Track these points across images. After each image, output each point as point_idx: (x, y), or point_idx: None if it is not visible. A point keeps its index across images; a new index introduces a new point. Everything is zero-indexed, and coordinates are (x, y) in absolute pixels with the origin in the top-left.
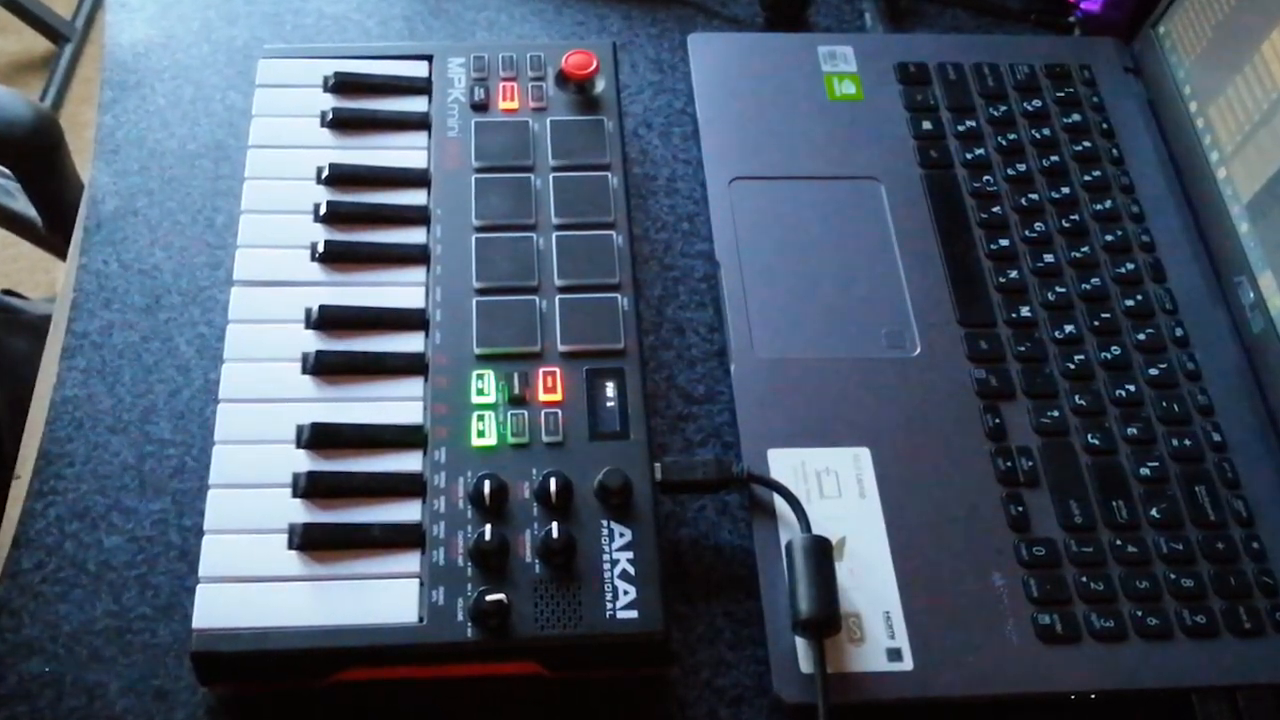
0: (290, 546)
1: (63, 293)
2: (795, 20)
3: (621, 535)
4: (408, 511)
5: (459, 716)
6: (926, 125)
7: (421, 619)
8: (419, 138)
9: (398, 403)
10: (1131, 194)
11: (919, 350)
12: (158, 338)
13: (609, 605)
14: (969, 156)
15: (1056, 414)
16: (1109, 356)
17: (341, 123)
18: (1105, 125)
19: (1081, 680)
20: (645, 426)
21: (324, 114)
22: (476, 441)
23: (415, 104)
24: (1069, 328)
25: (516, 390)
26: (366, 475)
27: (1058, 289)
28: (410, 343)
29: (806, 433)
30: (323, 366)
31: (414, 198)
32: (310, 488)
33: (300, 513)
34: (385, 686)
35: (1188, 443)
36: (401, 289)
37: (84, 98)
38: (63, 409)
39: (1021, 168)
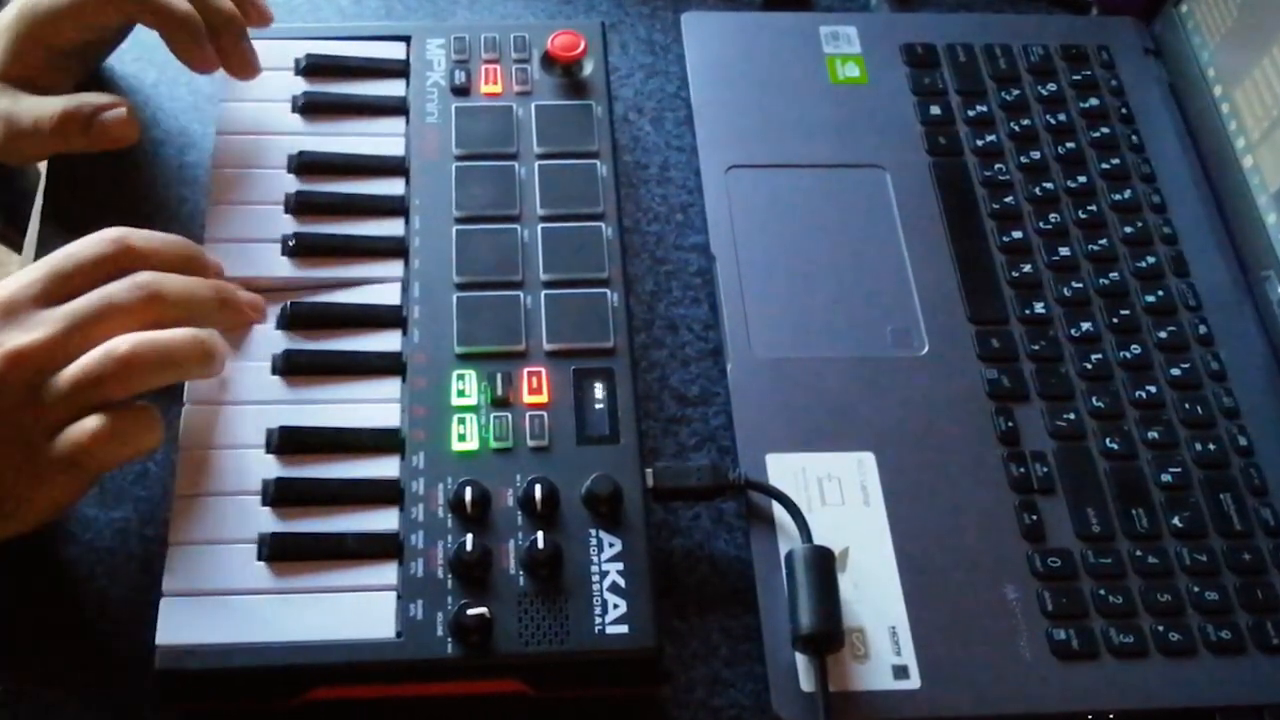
0: (259, 557)
1: None
2: None
3: (611, 545)
4: (384, 520)
5: None
6: (935, 110)
7: (399, 634)
8: (396, 124)
9: (373, 405)
10: (1152, 183)
11: (927, 349)
12: None
13: (598, 620)
14: (980, 143)
15: (1073, 416)
16: (1128, 356)
17: (314, 108)
18: (1124, 110)
19: (1099, 699)
20: (636, 430)
21: (295, 98)
22: (457, 446)
23: (392, 88)
24: (1086, 325)
25: (499, 391)
26: (340, 482)
27: (1074, 284)
28: (386, 341)
29: (807, 436)
30: (294, 367)
31: (390, 187)
32: (280, 495)
33: (270, 522)
34: (360, 706)
35: (1212, 447)
36: (377, 284)
37: None
38: None
39: (1036, 155)
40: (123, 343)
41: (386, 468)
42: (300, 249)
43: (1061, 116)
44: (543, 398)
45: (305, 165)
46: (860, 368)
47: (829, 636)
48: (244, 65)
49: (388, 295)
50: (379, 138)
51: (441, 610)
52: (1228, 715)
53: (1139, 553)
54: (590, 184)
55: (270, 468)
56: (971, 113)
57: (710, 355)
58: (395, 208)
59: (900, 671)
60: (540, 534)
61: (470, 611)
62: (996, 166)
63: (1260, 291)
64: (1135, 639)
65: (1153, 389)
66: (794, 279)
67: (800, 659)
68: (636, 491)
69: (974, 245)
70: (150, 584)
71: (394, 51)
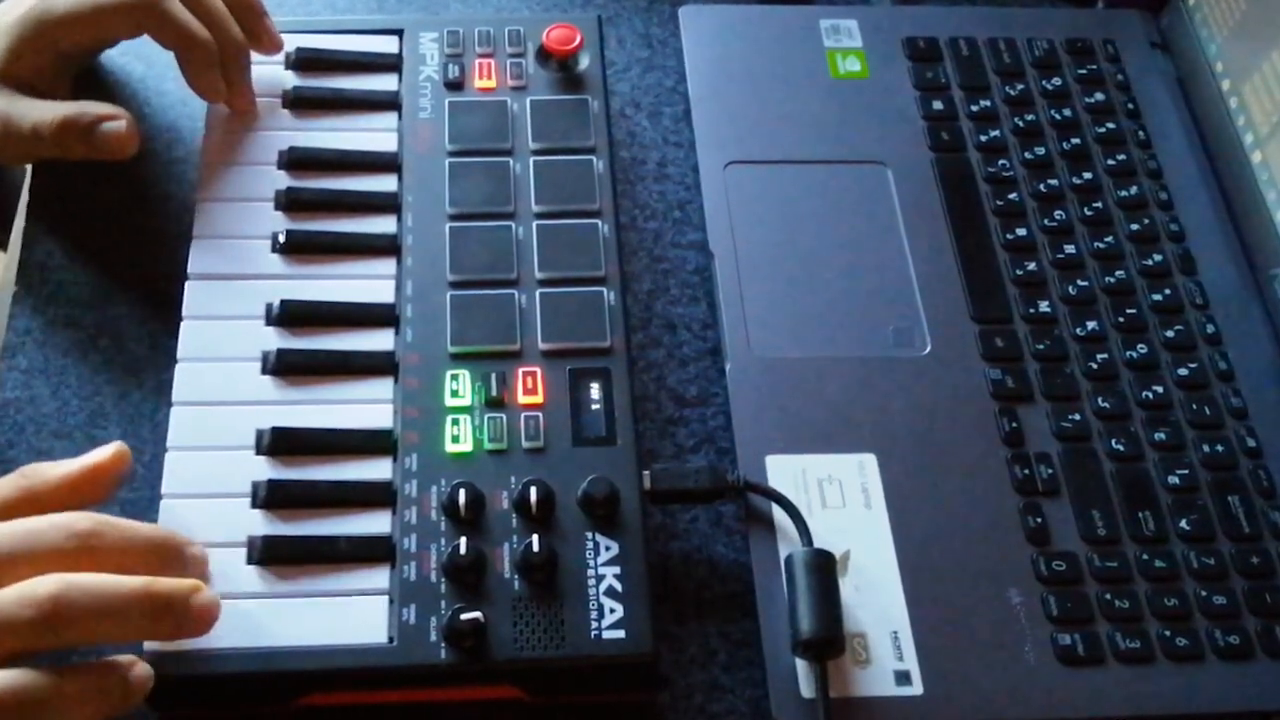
0: (249, 561)
1: (3, 286)
2: None
3: (607, 549)
4: (376, 523)
5: None
6: (937, 105)
7: (391, 639)
8: (388, 119)
9: (365, 405)
10: (1159, 179)
11: (929, 349)
12: (106, 335)
13: (594, 624)
14: (983, 139)
15: (1078, 417)
16: (1135, 355)
17: (305, 102)
18: (1131, 105)
19: (1105, 705)
20: (633, 431)
21: (286, 93)
22: (450, 447)
23: (384, 82)
24: (1091, 324)
25: (494, 392)
26: (331, 484)
27: (1079, 282)
28: (379, 340)
29: (807, 438)
30: (284, 366)
31: (383, 184)
32: (271, 498)
33: (260, 524)
34: (352, 712)
35: (1220, 448)
36: (369, 282)
37: None
38: (3, 412)
39: (1040, 151)
40: (44, 583)
41: (378, 470)
42: (291, 246)
43: (1066, 111)
44: (538, 398)
45: (296, 161)
46: (861, 368)
47: (829, 641)
48: (246, 98)
49: (380, 293)
50: (371, 133)
51: (435, 615)
52: None
53: (1145, 556)
54: (586, 180)
55: (260, 469)
56: (975, 108)
57: (708, 355)
58: (388, 204)
59: (902, 677)
60: (535, 537)
61: (464, 616)
62: (1000, 162)
63: (1269, 290)
64: (1141, 644)
65: (1159, 389)
66: (794, 277)
67: (800, 664)
68: (634, 494)
69: (977, 242)
70: None
71: (386, 46)
